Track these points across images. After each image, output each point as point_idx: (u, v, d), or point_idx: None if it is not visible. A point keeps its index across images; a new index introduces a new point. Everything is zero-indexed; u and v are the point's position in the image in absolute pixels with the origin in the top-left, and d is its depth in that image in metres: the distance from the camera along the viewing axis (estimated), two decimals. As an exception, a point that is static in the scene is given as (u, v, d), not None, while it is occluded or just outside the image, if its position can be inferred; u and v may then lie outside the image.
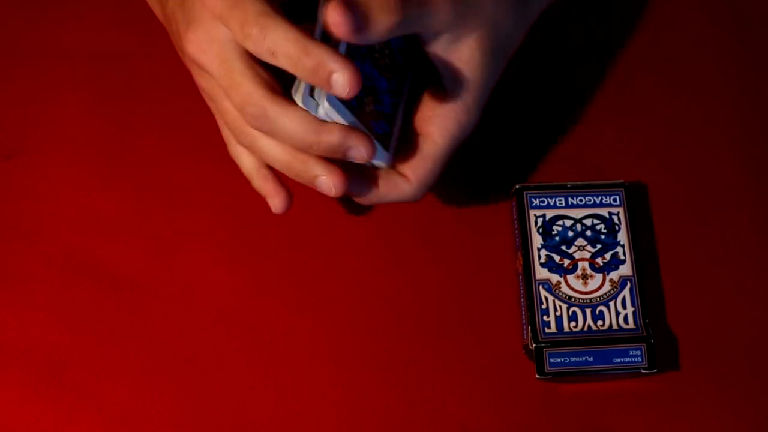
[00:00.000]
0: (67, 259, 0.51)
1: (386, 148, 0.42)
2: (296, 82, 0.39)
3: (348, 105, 0.39)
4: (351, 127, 0.38)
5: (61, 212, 0.52)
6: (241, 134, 0.40)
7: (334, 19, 0.35)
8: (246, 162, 0.43)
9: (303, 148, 0.39)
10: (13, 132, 0.54)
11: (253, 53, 0.36)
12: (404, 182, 0.43)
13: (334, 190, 0.40)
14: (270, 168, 0.43)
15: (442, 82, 0.42)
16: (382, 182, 0.43)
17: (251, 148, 0.41)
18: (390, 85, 0.43)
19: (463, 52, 0.41)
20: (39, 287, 0.50)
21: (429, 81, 0.44)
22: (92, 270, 0.50)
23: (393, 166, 0.43)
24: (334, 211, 0.52)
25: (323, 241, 0.51)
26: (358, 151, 0.38)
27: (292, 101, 0.38)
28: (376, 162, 0.42)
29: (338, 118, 0.39)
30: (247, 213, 0.52)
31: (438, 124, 0.42)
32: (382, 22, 0.37)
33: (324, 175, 0.39)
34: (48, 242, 0.51)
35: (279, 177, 0.43)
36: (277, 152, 0.40)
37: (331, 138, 0.38)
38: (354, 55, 0.40)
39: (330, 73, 0.35)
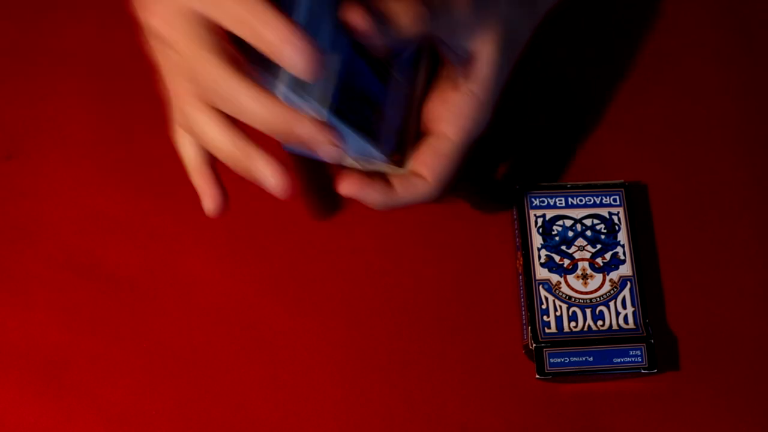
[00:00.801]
0: (67, 259, 0.51)
1: (399, 164, 0.42)
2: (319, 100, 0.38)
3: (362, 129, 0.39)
4: (322, 122, 0.35)
5: (61, 212, 0.52)
6: (188, 116, 0.37)
7: (353, 19, 0.35)
8: (189, 153, 0.41)
9: (272, 135, 0.36)
10: (13, 132, 0.54)
11: (219, 23, 0.34)
12: (421, 182, 0.42)
13: (278, 187, 0.37)
14: (212, 166, 0.41)
15: (454, 79, 0.42)
16: (398, 185, 0.42)
17: (195, 133, 0.38)
18: (391, 98, 0.43)
19: (478, 49, 0.41)
20: (39, 287, 0.50)
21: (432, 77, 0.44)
22: (92, 270, 0.50)
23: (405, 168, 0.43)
24: (334, 211, 0.52)
25: (323, 241, 0.51)
26: (329, 148, 0.35)
27: (259, 83, 0.35)
28: (387, 170, 0.42)
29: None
30: (247, 213, 0.52)
31: (452, 122, 0.42)
32: (406, 24, 0.37)
33: (267, 169, 0.36)
34: (48, 242, 0.51)
35: (219, 178, 0.41)
36: (222, 141, 0.37)
37: (303, 129, 0.35)
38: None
39: (287, 49, 0.33)
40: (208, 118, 0.37)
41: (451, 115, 0.42)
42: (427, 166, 0.42)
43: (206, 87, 0.36)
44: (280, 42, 0.33)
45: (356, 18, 0.35)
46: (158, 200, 0.52)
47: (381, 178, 0.42)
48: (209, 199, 0.41)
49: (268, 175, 0.36)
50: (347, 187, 0.41)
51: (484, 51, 0.41)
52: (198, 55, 0.35)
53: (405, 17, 0.37)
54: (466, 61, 0.41)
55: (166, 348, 0.49)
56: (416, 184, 0.42)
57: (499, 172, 0.53)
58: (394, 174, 0.43)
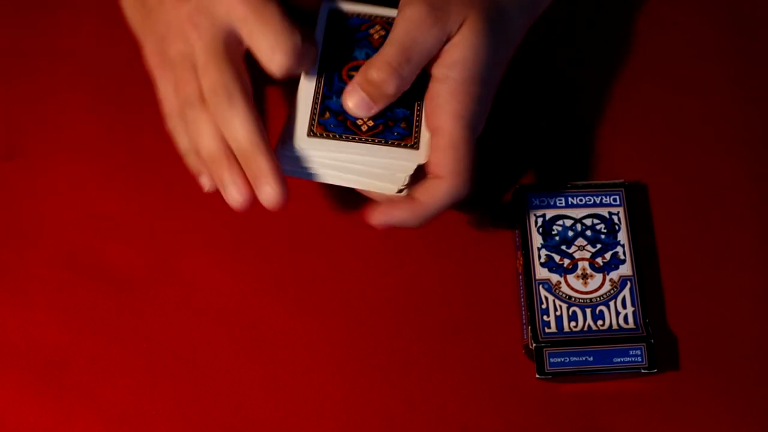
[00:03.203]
0: (67, 259, 0.51)
1: (414, 146, 0.43)
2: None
3: (333, 136, 0.42)
4: (276, 166, 0.40)
5: (61, 212, 0.52)
6: (188, 110, 0.41)
7: (347, 106, 0.42)
8: (185, 139, 0.43)
9: (237, 150, 0.40)
10: (13, 132, 0.54)
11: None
12: (439, 182, 0.41)
13: (235, 203, 0.41)
14: None
15: (433, 73, 0.42)
16: (421, 195, 0.41)
17: (189, 126, 0.41)
18: None
19: (449, 36, 0.41)
20: (39, 287, 0.50)
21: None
22: (92, 270, 0.50)
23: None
24: (334, 211, 0.52)
25: (323, 241, 0.51)
26: (264, 190, 0.40)
27: (253, 106, 0.40)
28: (413, 162, 0.42)
29: (325, 152, 0.42)
30: (247, 213, 0.51)
31: (440, 112, 0.41)
32: (391, 89, 0.41)
33: (232, 184, 0.40)
34: (48, 242, 0.51)
35: None
36: (210, 142, 0.41)
37: (260, 161, 0.40)
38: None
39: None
40: (206, 119, 0.40)
41: (440, 107, 0.41)
42: (437, 164, 0.41)
43: (209, 87, 0.39)
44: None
45: (347, 103, 0.42)
46: (158, 200, 0.52)
47: (403, 198, 0.42)
48: (206, 178, 0.43)
49: (232, 191, 0.41)
50: (376, 217, 0.41)
51: (460, 38, 0.41)
52: (211, 56, 0.40)
53: (385, 87, 0.41)
54: (441, 54, 0.41)
55: (166, 348, 0.49)
56: (436, 186, 0.41)
57: (499, 172, 0.53)
58: (415, 189, 0.42)
